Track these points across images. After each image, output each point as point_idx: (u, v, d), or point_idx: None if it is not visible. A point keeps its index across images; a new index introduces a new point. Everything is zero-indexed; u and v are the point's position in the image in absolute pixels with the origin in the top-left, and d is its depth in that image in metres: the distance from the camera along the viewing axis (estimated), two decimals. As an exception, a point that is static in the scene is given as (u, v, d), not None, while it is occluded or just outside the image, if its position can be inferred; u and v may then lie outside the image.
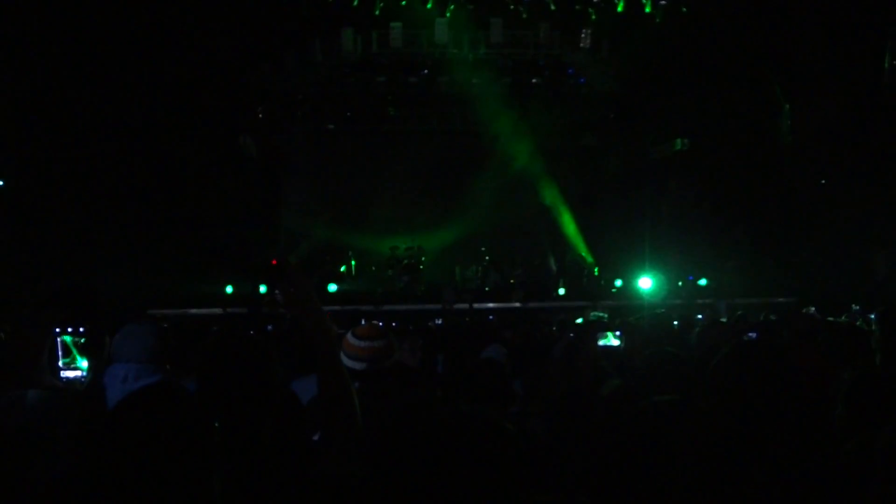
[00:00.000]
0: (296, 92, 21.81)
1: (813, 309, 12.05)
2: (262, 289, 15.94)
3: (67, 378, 1.61)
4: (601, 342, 3.82)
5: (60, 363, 1.63)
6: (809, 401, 2.60)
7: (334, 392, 2.29)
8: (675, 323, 7.67)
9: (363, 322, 3.79)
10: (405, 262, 20.83)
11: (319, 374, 2.31)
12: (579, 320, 10.27)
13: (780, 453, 2.40)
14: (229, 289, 17.04)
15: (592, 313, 10.40)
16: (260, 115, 21.75)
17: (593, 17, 20.09)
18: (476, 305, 17.78)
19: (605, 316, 10.28)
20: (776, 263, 17.48)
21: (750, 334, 4.76)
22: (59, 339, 1.63)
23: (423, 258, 21.23)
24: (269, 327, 9.06)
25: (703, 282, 19.07)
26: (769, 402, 2.37)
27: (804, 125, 17.60)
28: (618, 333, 3.84)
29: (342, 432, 2.25)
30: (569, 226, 22.75)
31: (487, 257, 21.55)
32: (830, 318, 8.75)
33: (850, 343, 5.17)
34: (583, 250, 22.58)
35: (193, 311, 15.31)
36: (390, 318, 13.93)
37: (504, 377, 3.70)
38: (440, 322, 12.71)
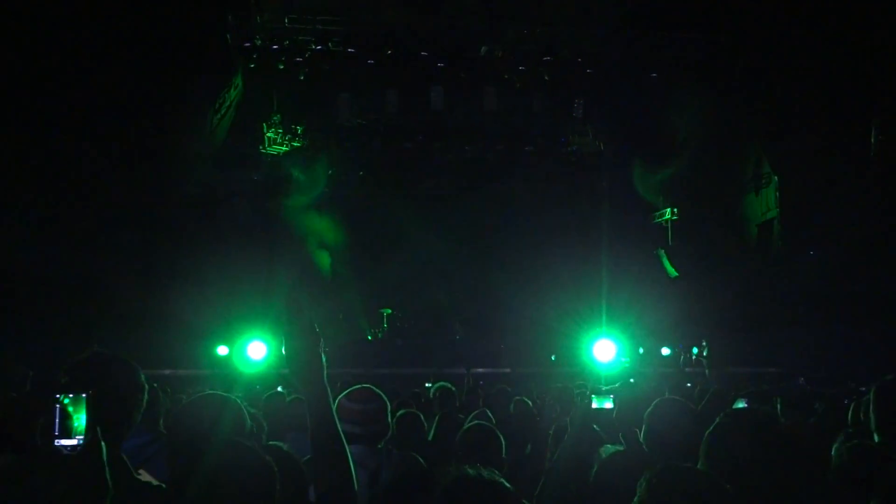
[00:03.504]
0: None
1: (802, 380, 12.06)
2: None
3: (64, 445, 1.61)
4: (596, 404, 3.77)
5: (66, 429, 1.63)
6: (802, 470, 2.61)
7: (329, 453, 2.28)
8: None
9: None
10: (398, 324, 20.75)
11: (313, 435, 2.30)
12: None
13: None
14: (220, 349, 16.78)
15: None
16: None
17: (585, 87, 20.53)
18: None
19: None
20: (764, 336, 17.51)
21: (739, 403, 4.71)
22: (58, 406, 1.63)
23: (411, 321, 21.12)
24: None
25: (695, 350, 19.00)
26: (762, 469, 2.38)
27: (792, 197, 17.86)
28: (611, 396, 3.79)
29: (338, 493, 2.24)
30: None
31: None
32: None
33: (841, 414, 5.18)
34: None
35: (181, 371, 15.08)
36: (383, 381, 13.74)
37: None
38: (428, 385, 12.45)
